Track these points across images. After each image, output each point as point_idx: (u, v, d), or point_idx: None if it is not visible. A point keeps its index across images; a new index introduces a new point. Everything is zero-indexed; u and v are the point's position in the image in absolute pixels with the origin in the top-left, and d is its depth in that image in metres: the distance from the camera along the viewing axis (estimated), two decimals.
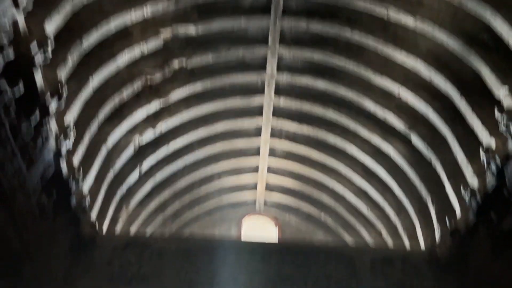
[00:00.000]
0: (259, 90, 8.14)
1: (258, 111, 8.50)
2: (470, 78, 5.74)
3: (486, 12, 5.03)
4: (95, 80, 5.61)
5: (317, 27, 7.07)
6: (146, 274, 5.41)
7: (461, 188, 5.05)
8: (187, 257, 5.60)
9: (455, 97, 5.72)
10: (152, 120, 7.45)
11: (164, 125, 7.59)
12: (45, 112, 4.11)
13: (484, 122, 5.27)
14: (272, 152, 9.34)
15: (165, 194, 8.61)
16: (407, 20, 6.15)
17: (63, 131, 4.56)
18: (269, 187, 10.12)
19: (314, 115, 8.27)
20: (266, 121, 8.62)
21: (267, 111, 8.43)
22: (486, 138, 5.07)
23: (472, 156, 5.51)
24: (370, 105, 7.37)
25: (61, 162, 4.55)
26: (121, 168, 7.05)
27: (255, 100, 8.25)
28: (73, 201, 5.00)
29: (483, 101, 5.50)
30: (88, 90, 5.48)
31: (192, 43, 7.21)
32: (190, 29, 6.86)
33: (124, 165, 7.13)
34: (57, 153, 4.42)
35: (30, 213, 4.06)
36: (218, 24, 7.01)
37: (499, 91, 4.95)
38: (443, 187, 6.26)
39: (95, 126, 5.86)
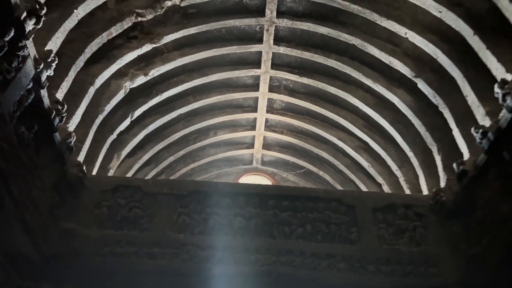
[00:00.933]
0: (257, 36, 7.72)
1: (256, 61, 8.10)
2: (484, 15, 5.35)
3: None
4: (80, 10, 5.18)
5: None
6: (136, 216, 5.13)
7: (472, 129, 4.72)
8: (180, 200, 5.31)
9: (467, 35, 5.32)
10: (143, 66, 7.04)
11: (156, 72, 7.18)
12: (20, 32, 3.72)
13: (500, 60, 4.90)
14: (270, 106, 8.98)
15: (158, 146, 8.28)
16: None
17: (43, 57, 4.17)
18: (266, 144, 9.81)
19: (315, 64, 7.88)
20: (265, 72, 8.23)
21: (266, 60, 8.03)
22: (501, 74, 4.71)
23: (483, 98, 5.17)
24: (374, 51, 6.95)
25: (41, 91, 4.19)
26: (110, 114, 6.68)
27: (253, 48, 7.83)
28: (57, 137, 4.66)
29: (498, 38, 5.12)
30: (73, 20, 5.06)
31: None
32: None
33: (113, 111, 6.76)
34: (37, 80, 4.04)
35: (7, 140, 3.72)
36: None
37: None
38: (450, 136, 5.93)
39: (81, 62, 5.45)
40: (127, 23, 6.19)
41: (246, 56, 8.05)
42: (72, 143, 5.00)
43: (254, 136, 9.55)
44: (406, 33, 6.38)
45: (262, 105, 8.84)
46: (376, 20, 6.67)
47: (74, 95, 5.56)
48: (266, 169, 10.16)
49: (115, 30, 6.03)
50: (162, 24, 6.96)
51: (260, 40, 7.76)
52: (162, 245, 4.92)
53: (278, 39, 7.76)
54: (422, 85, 6.38)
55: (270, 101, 8.89)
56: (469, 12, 5.46)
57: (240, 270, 4.85)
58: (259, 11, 7.38)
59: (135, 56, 6.61)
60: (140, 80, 6.93)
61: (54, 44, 4.63)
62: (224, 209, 5.30)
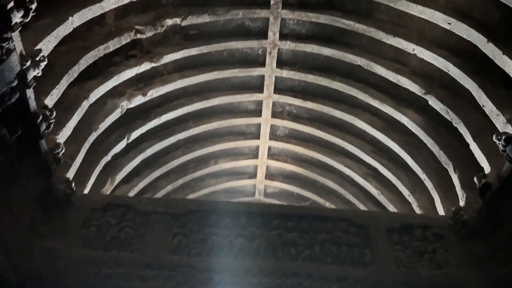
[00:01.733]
0: (260, 60, 7.55)
1: (258, 85, 7.88)
2: (496, 24, 5.14)
3: None
4: (76, 19, 4.98)
5: None
6: (127, 236, 4.65)
7: (494, 137, 4.35)
8: (176, 219, 4.85)
9: (481, 43, 5.07)
10: (142, 86, 6.80)
11: (155, 93, 6.93)
12: (6, 22, 3.48)
13: None
14: (273, 133, 8.66)
15: (156, 173, 7.88)
16: None
17: (30, 55, 3.91)
18: (270, 174, 9.41)
19: (319, 88, 7.65)
20: (267, 97, 7.99)
21: (269, 84, 7.80)
22: None
23: (502, 106, 4.84)
24: (381, 71, 6.71)
25: (27, 91, 3.88)
26: (106, 134, 6.35)
27: (255, 71, 7.63)
28: (43, 145, 4.30)
29: None
30: (67, 27, 4.84)
31: (187, 1, 6.68)
32: None
33: (109, 131, 6.44)
34: (22, 78, 3.75)
35: None
36: None
37: None
38: (466, 152, 5.56)
39: (75, 73, 5.19)
40: (125, 39, 6.00)
41: (248, 80, 7.85)
42: (60, 154, 4.63)
43: (256, 166, 9.17)
44: (413, 49, 6.17)
45: (265, 132, 8.53)
46: (382, 38, 6.49)
47: (66, 108, 5.26)
48: (269, 201, 9.66)
49: (113, 45, 5.82)
50: (162, 45, 6.80)
51: (262, 64, 7.58)
52: (155, 266, 4.41)
53: (281, 63, 7.58)
54: (433, 102, 6.07)
55: (273, 128, 8.59)
56: (480, 22, 5.25)
57: None
58: (262, 34, 7.25)
59: (133, 74, 6.38)
60: (138, 100, 6.66)
61: (45, 46, 4.38)
62: (224, 229, 4.83)
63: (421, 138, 6.40)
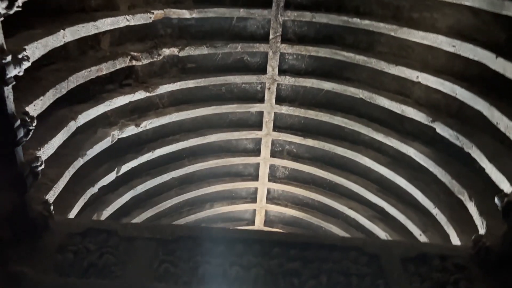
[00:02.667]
0: (258, 96, 7.36)
1: (257, 123, 7.62)
2: (502, 44, 4.97)
3: None
4: (68, 33, 4.80)
5: (323, 19, 6.51)
6: (107, 263, 4.07)
7: None
8: (164, 246, 4.29)
9: (489, 60, 4.87)
10: (135, 117, 6.53)
11: (149, 125, 6.63)
12: None
13: None
14: (273, 175, 8.25)
15: (146, 214, 7.34)
16: None
17: (12, 51, 3.63)
18: (269, 220, 8.85)
19: (320, 124, 7.38)
20: (266, 135, 7.69)
21: (268, 121, 7.55)
22: None
23: None
24: (384, 102, 6.49)
25: (5, 89, 3.55)
26: (94, 164, 5.95)
27: (254, 108, 7.41)
28: (20, 154, 3.89)
29: None
30: (58, 39, 4.64)
31: (186, 34, 6.61)
32: (185, 14, 6.29)
33: (98, 161, 6.04)
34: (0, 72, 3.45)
35: None
36: (215, 14, 6.48)
37: None
38: (481, 178, 5.15)
39: (63, 89, 4.91)
40: (120, 64, 5.81)
41: (246, 117, 7.60)
42: (39, 169, 4.19)
43: (255, 210, 8.64)
44: (417, 76, 5.98)
45: (264, 172, 8.12)
46: (383, 69, 6.34)
47: (51, 126, 4.92)
48: None
49: (106, 68, 5.62)
50: (158, 76, 6.64)
51: (261, 100, 7.38)
52: None
53: (281, 99, 7.39)
54: (441, 129, 5.76)
55: (272, 169, 8.19)
56: (486, 43, 5.09)
57: None
58: (260, 69, 7.14)
59: (127, 101, 6.12)
60: (131, 130, 6.34)
61: (31, 52, 4.14)
62: (217, 257, 4.26)
63: (431, 169, 6.00)
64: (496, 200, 4.28)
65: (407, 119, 6.38)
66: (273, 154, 7.91)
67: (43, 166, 4.33)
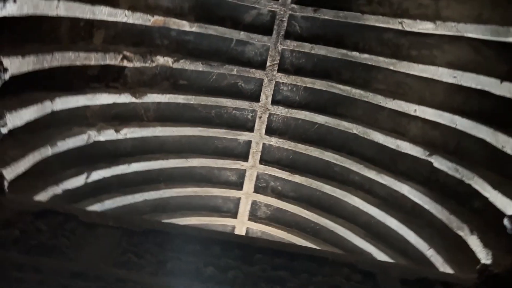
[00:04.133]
0: (248, 125, 7.07)
1: (244, 153, 7.24)
2: (504, 76, 4.92)
3: None
4: (62, 7, 4.54)
5: (322, 51, 6.49)
6: (59, 244, 3.40)
7: None
8: (130, 236, 3.66)
9: (493, 86, 4.76)
10: (117, 123, 6.11)
11: (130, 134, 6.20)
12: None
13: None
14: (253, 214, 7.68)
15: None
16: (426, 26, 5.63)
17: None
18: None
19: (309, 160, 7.05)
20: (252, 167, 7.28)
21: (255, 152, 7.18)
22: None
23: None
24: (379, 137, 6.26)
25: None
26: (63, 163, 5.39)
27: (242, 136, 7.08)
28: None
29: None
30: (51, 7, 4.36)
31: (183, 49, 6.46)
32: (184, 26, 6.18)
33: (68, 162, 5.49)
34: None
35: None
36: (215, 32, 6.40)
37: None
38: (481, 210, 4.82)
39: (46, 63, 4.53)
40: (110, 59, 5.54)
41: (233, 146, 7.23)
42: (1, 130, 3.69)
43: None
44: (415, 110, 5.83)
45: (244, 210, 7.56)
46: (380, 103, 6.21)
47: (25, 100, 4.46)
48: None
49: (95, 59, 5.33)
50: (148, 86, 6.35)
51: (251, 129, 7.08)
52: (89, 277, 3.12)
53: (271, 131, 7.11)
54: (439, 162, 5.49)
55: (254, 206, 7.65)
56: (488, 72, 5.03)
57: None
58: (254, 97, 6.93)
59: (111, 102, 5.76)
60: (109, 135, 5.90)
61: (19, 5, 3.82)
62: (191, 255, 3.64)
63: (426, 207, 5.62)
64: (506, 221, 3.91)
65: (401, 157, 6.13)
66: (257, 190, 7.42)
67: (6, 131, 3.83)
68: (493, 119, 4.92)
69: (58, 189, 5.28)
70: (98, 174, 5.91)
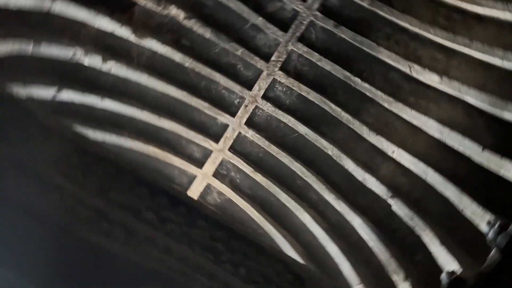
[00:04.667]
0: (232, 108, 6.96)
1: (218, 134, 7.11)
2: (489, 144, 5.05)
3: None
4: None
5: (327, 66, 6.52)
6: (7, 134, 3.17)
7: (484, 225, 3.76)
8: (80, 154, 3.47)
9: (474, 152, 4.88)
10: (108, 54, 5.89)
11: (114, 70, 5.98)
12: None
13: None
14: (203, 197, 7.50)
15: None
16: (432, 78, 5.75)
17: None
18: None
19: (277, 165, 6.98)
20: (219, 150, 7.14)
21: (228, 137, 7.06)
22: None
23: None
24: (349, 165, 6.29)
25: None
26: (39, 64, 5.13)
27: (222, 117, 6.96)
28: None
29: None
30: None
31: (197, 10, 6.34)
32: None
33: (44, 68, 5.23)
34: None
35: None
36: (235, 7, 6.33)
37: None
38: (417, 266, 4.88)
39: None
40: None
41: (210, 123, 7.08)
42: None
43: None
44: (394, 151, 5.91)
45: (196, 189, 7.37)
46: (363, 134, 6.26)
47: None
48: None
49: None
50: (150, 31, 6.17)
51: (233, 114, 6.96)
52: (29, 173, 2.91)
53: (251, 123, 7.01)
54: (398, 206, 5.55)
55: (206, 190, 7.46)
56: (474, 138, 5.16)
57: None
58: (247, 85, 6.84)
59: (109, 29, 5.55)
60: (94, 61, 5.68)
61: None
62: (136, 196, 3.47)
63: (370, 244, 5.65)
64: (444, 276, 3.95)
65: (363, 190, 6.16)
66: (216, 174, 7.27)
67: None
68: (463, 182, 5.02)
69: (22, 91, 5.00)
70: (68, 95, 5.65)
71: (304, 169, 6.71)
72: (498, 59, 5.16)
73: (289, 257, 4.22)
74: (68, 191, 2.99)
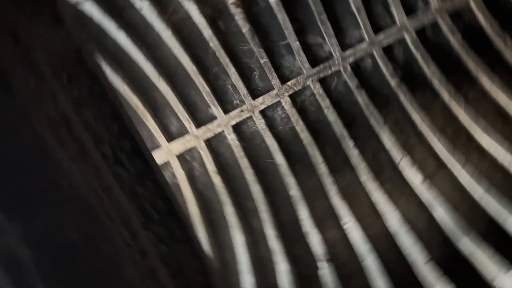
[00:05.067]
0: (228, 106, 6.91)
1: (202, 121, 7.00)
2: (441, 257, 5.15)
3: None
4: None
5: (331, 117, 6.60)
6: None
7: None
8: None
9: (417, 260, 4.93)
10: None
11: (145, 10, 5.89)
12: None
13: None
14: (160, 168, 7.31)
15: None
16: (416, 178, 5.88)
17: None
18: None
19: (240, 178, 6.90)
20: (194, 138, 7.02)
21: (209, 130, 6.96)
22: None
23: None
24: (303, 213, 6.29)
25: None
26: None
27: (214, 110, 6.86)
28: None
29: None
30: None
31: (248, 4, 6.37)
32: None
33: None
34: None
35: None
36: (281, 20, 6.39)
37: None
38: None
39: None
40: None
41: (201, 108, 6.97)
42: None
43: None
44: (347, 222, 5.93)
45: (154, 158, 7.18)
46: (330, 192, 6.29)
47: None
48: None
49: None
50: None
51: (226, 111, 6.89)
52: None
53: (237, 129, 6.97)
54: (327, 272, 5.51)
55: (163, 166, 7.29)
56: (426, 246, 5.24)
57: None
58: (253, 94, 6.84)
59: None
60: None
61: None
62: None
63: None
64: None
65: (303, 243, 6.14)
66: (179, 156, 7.11)
67: None
68: (396, 280, 5.05)
69: None
70: (90, 9, 5.49)
71: (261, 195, 6.66)
72: (479, 192, 5.32)
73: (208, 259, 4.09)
74: (47, 81, 2.84)
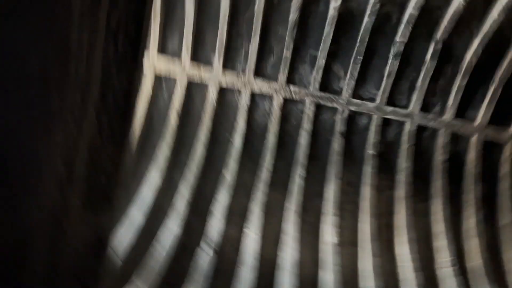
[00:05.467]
0: (229, 65, 6.82)
1: (201, 61, 6.85)
2: None
3: None
4: None
5: (303, 141, 6.69)
6: None
7: None
8: None
9: None
10: None
11: None
12: None
13: None
14: None
15: None
16: (329, 237, 6.06)
17: None
18: None
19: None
20: (182, 69, 6.87)
21: (200, 75, 6.83)
22: None
23: None
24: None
25: None
26: None
27: (215, 60, 6.75)
28: None
29: None
30: None
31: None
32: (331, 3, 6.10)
33: None
34: None
35: None
36: (326, 32, 6.38)
37: None
38: None
39: None
40: None
41: (205, 52, 6.83)
42: None
43: None
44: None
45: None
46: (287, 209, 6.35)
47: None
48: None
49: None
50: None
51: (225, 70, 6.81)
52: None
53: (222, 92, 6.89)
54: None
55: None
56: None
57: None
58: (256, 73, 6.79)
59: None
60: None
61: None
62: None
63: None
64: None
65: None
66: (158, 75, 6.93)
67: None
68: None
69: None
70: None
71: (199, 156, 6.61)
72: (370, 284, 5.56)
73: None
74: None
